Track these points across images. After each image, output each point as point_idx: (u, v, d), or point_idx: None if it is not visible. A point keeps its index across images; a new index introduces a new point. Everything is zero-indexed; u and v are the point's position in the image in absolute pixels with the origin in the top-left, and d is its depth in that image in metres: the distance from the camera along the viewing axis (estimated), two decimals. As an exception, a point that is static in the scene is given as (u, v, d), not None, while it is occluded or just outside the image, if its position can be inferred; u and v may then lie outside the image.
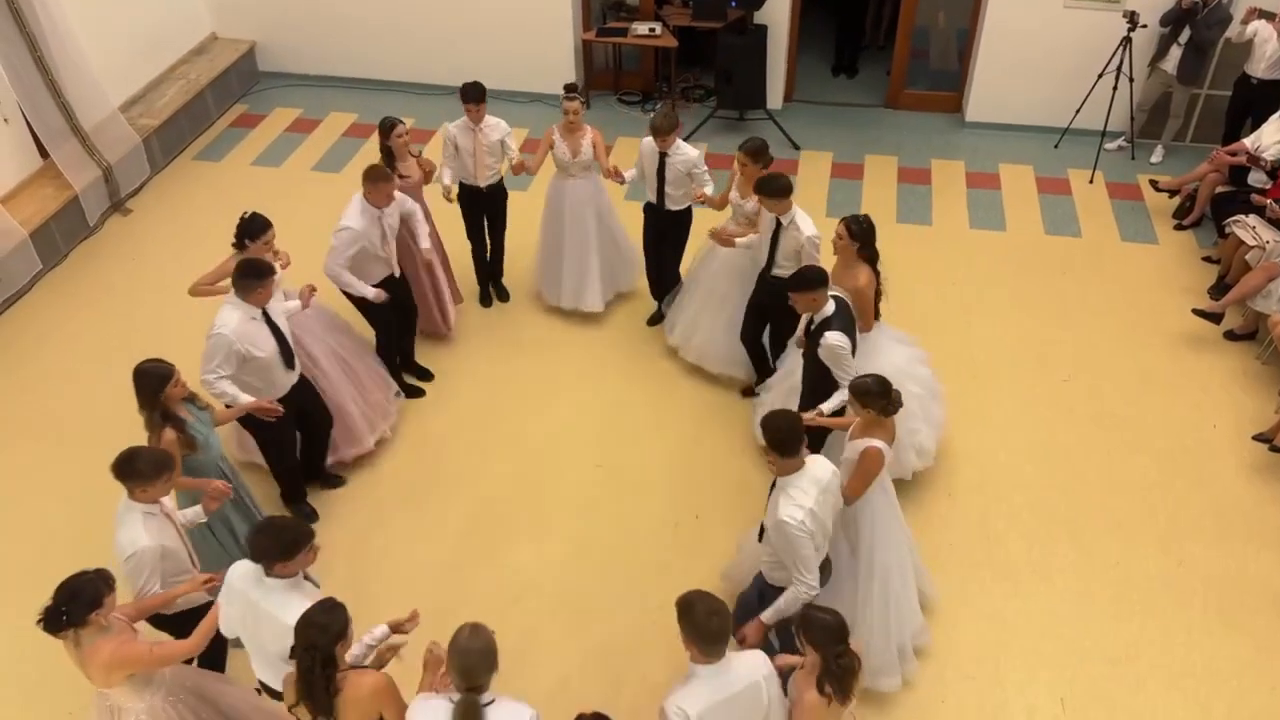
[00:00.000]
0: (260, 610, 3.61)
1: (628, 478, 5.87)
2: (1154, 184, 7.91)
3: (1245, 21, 7.74)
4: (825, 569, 4.22)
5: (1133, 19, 7.81)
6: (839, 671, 3.35)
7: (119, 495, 3.99)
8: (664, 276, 6.73)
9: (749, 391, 6.31)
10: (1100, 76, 8.21)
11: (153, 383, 4.34)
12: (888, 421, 4.35)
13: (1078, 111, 8.53)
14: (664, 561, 5.34)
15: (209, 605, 3.92)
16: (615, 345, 6.82)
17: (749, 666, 3.41)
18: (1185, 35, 7.91)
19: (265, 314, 4.90)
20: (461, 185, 6.55)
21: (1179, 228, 7.83)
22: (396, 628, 3.75)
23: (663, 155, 6.10)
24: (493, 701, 3.21)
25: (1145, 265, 7.47)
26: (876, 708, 4.66)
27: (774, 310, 5.66)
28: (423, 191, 6.32)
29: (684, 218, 6.42)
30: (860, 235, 5.15)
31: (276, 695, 3.80)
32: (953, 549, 5.42)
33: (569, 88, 6.43)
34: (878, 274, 5.26)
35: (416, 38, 9.52)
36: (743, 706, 3.36)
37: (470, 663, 3.17)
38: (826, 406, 4.89)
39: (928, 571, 5.04)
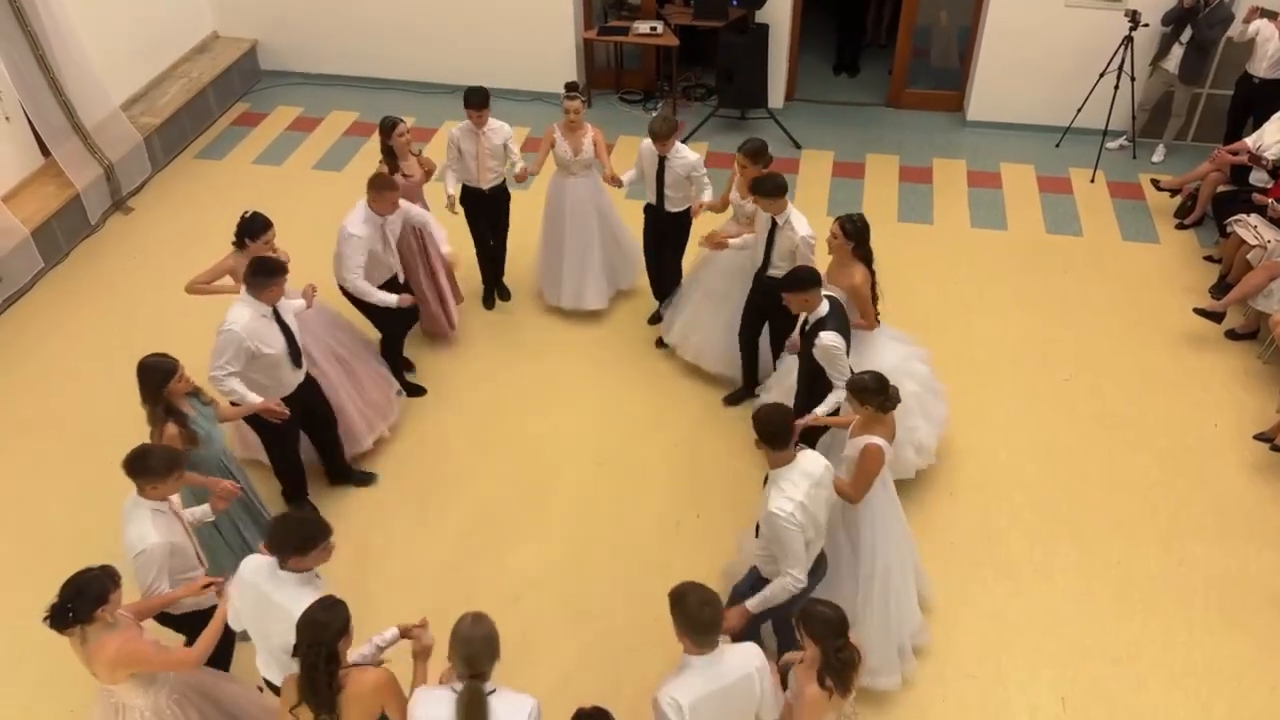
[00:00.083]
0: (272, 602, 3.62)
1: (628, 476, 5.87)
2: (1155, 183, 7.90)
3: (1247, 20, 7.74)
4: (821, 565, 4.23)
5: (1134, 18, 7.81)
6: (839, 665, 3.37)
7: (121, 493, 3.99)
8: (664, 277, 6.72)
9: (732, 400, 6.31)
10: (1102, 76, 8.21)
11: (156, 377, 4.36)
12: (887, 418, 4.35)
13: (1079, 111, 8.53)
14: (665, 560, 5.33)
15: (215, 608, 3.93)
16: (616, 345, 6.81)
17: (742, 658, 3.41)
18: (1187, 34, 7.91)
19: (276, 312, 4.92)
20: (464, 187, 6.56)
21: (1180, 227, 7.83)
22: (406, 633, 3.74)
23: (662, 159, 6.09)
24: (495, 690, 3.22)
25: (1147, 264, 7.47)
26: (876, 707, 4.65)
27: (772, 310, 5.65)
28: (423, 190, 6.33)
29: (684, 219, 6.41)
30: (854, 234, 5.15)
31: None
32: (954, 548, 5.42)
33: (570, 86, 6.43)
34: (873, 273, 5.25)
35: (418, 36, 9.53)
36: (735, 698, 3.36)
37: (473, 651, 3.18)
38: (821, 410, 4.90)
39: (925, 572, 5.04)
